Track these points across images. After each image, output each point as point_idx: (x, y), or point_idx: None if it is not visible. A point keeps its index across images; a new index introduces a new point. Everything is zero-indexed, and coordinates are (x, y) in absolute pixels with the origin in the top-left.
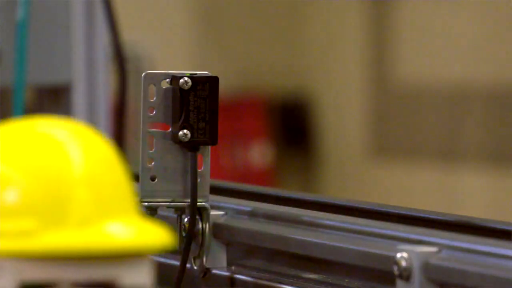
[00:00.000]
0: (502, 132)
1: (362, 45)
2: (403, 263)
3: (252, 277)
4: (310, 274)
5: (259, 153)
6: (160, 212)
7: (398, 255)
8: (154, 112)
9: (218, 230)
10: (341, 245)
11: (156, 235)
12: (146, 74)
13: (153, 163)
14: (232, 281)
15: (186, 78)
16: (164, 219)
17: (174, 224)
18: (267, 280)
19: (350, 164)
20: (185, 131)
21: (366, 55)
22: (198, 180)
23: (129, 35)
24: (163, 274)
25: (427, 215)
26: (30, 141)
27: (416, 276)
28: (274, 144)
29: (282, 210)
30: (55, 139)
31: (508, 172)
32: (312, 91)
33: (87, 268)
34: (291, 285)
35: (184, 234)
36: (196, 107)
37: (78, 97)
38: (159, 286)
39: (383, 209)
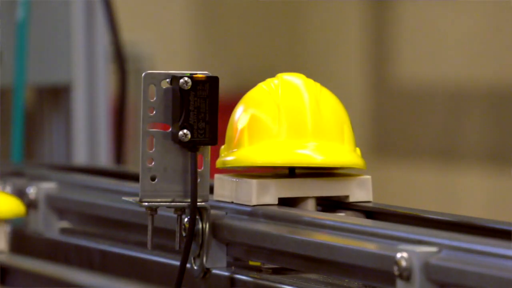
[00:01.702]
0: (502, 132)
1: (362, 45)
2: (403, 263)
3: (252, 277)
4: (310, 274)
5: None
6: (160, 212)
7: (398, 255)
8: (154, 112)
9: (218, 230)
10: (341, 245)
11: (6, 204)
12: (146, 74)
13: (153, 163)
14: (232, 281)
15: (186, 78)
16: (164, 219)
17: (174, 224)
18: (267, 280)
19: None
20: (185, 131)
21: (366, 55)
22: (198, 180)
23: (129, 35)
24: (163, 274)
25: (427, 215)
26: None
27: (416, 276)
28: None
29: (282, 210)
30: None
31: (508, 172)
32: None
33: None
34: (291, 285)
35: (184, 234)
36: (196, 107)
37: (78, 97)
38: (159, 286)
39: (383, 209)
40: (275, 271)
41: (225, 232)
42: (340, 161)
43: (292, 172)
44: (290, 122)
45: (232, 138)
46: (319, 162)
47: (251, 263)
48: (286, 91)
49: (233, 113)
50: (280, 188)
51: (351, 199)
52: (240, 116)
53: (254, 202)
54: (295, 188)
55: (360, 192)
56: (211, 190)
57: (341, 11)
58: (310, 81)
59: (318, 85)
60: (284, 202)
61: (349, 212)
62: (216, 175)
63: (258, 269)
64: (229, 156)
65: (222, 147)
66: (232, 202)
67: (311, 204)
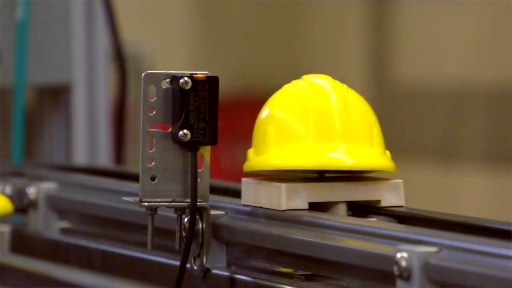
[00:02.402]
0: (502, 132)
1: (362, 45)
2: (403, 263)
3: (252, 277)
4: (310, 274)
5: None
6: (160, 212)
7: (398, 255)
8: (154, 112)
9: (218, 230)
10: (341, 245)
11: None
12: (146, 74)
13: (153, 163)
14: (232, 281)
15: (186, 78)
16: (164, 219)
17: (174, 224)
18: (267, 280)
19: None
20: (185, 131)
21: (366, 55)
22: (198, 180)
23: (129, 35)
24: (163, 274)
25: (427, 215)
26: None
27: (416, 276)
28: None
29: (283, 211)
30: None
31: (508, 172)
32: None
33: None
34: (291, 285)
35: (184, 234)
36: (196, 107)
37: (78, 97)
38: (159, 286)
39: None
40: (307, 278)
41: (225, 232)
42: (371, 164)
43: (321, 176)
44: (318, 124)
45: (259, 142)
46: (350, 165)
47: (281, 269)
48: (312, 92)
49: (258, 116)
50: (310, 193)
51: (383, 204)
52: (267, 118)
53: (284, 207)
54: (325, 192)
55: (392, 196)
56: (236, 194)
57: (341, 11)
58: (337, 82)
59: (345, 86)
60: (314, 206)
61: (381, 217)
62: (244, 179)
63: (289, 276)
64: (256, 160)
65: (249, 150)
66: (261, 207)
67: (342, 209)
